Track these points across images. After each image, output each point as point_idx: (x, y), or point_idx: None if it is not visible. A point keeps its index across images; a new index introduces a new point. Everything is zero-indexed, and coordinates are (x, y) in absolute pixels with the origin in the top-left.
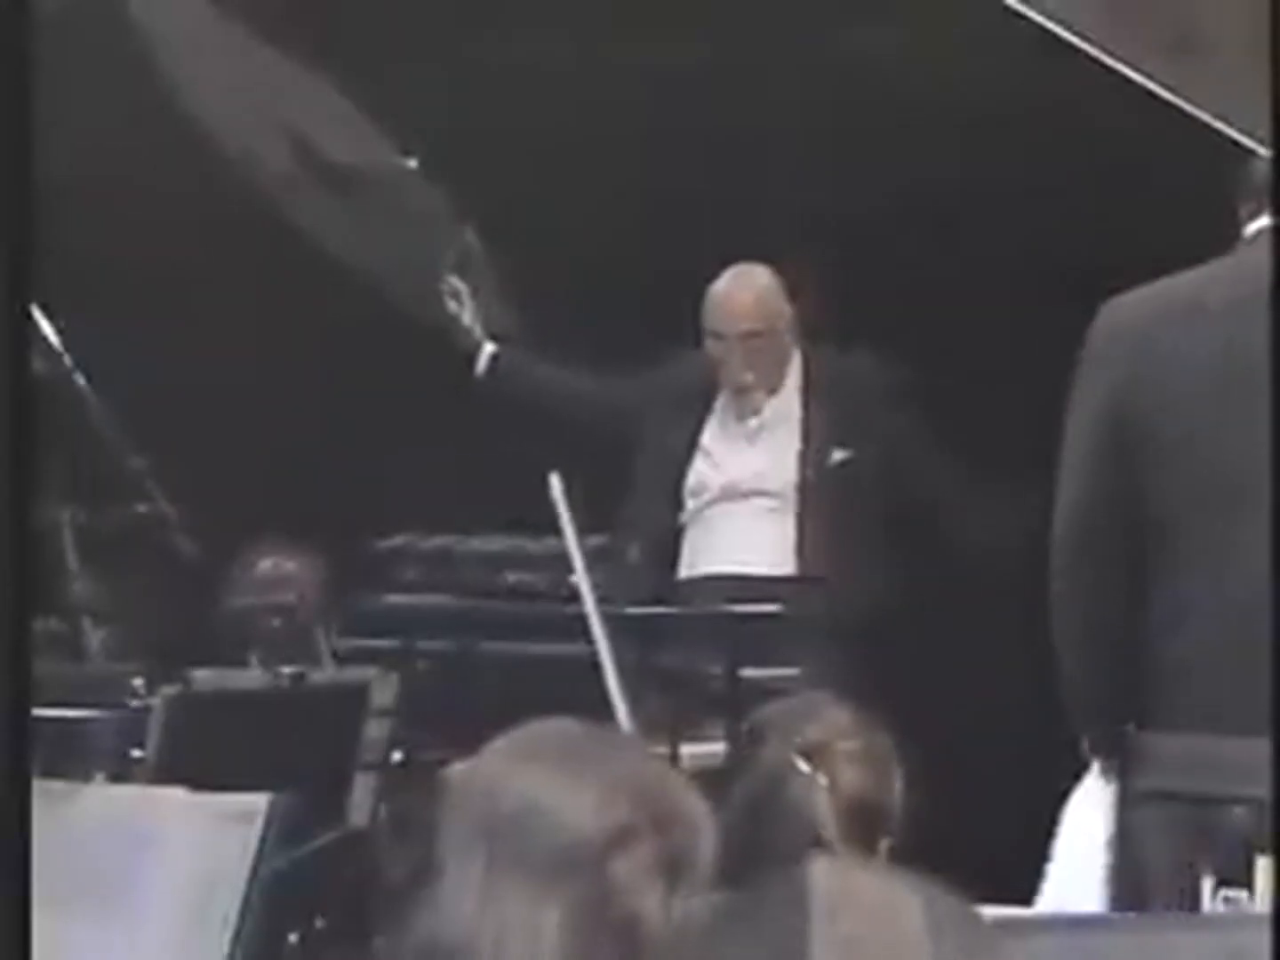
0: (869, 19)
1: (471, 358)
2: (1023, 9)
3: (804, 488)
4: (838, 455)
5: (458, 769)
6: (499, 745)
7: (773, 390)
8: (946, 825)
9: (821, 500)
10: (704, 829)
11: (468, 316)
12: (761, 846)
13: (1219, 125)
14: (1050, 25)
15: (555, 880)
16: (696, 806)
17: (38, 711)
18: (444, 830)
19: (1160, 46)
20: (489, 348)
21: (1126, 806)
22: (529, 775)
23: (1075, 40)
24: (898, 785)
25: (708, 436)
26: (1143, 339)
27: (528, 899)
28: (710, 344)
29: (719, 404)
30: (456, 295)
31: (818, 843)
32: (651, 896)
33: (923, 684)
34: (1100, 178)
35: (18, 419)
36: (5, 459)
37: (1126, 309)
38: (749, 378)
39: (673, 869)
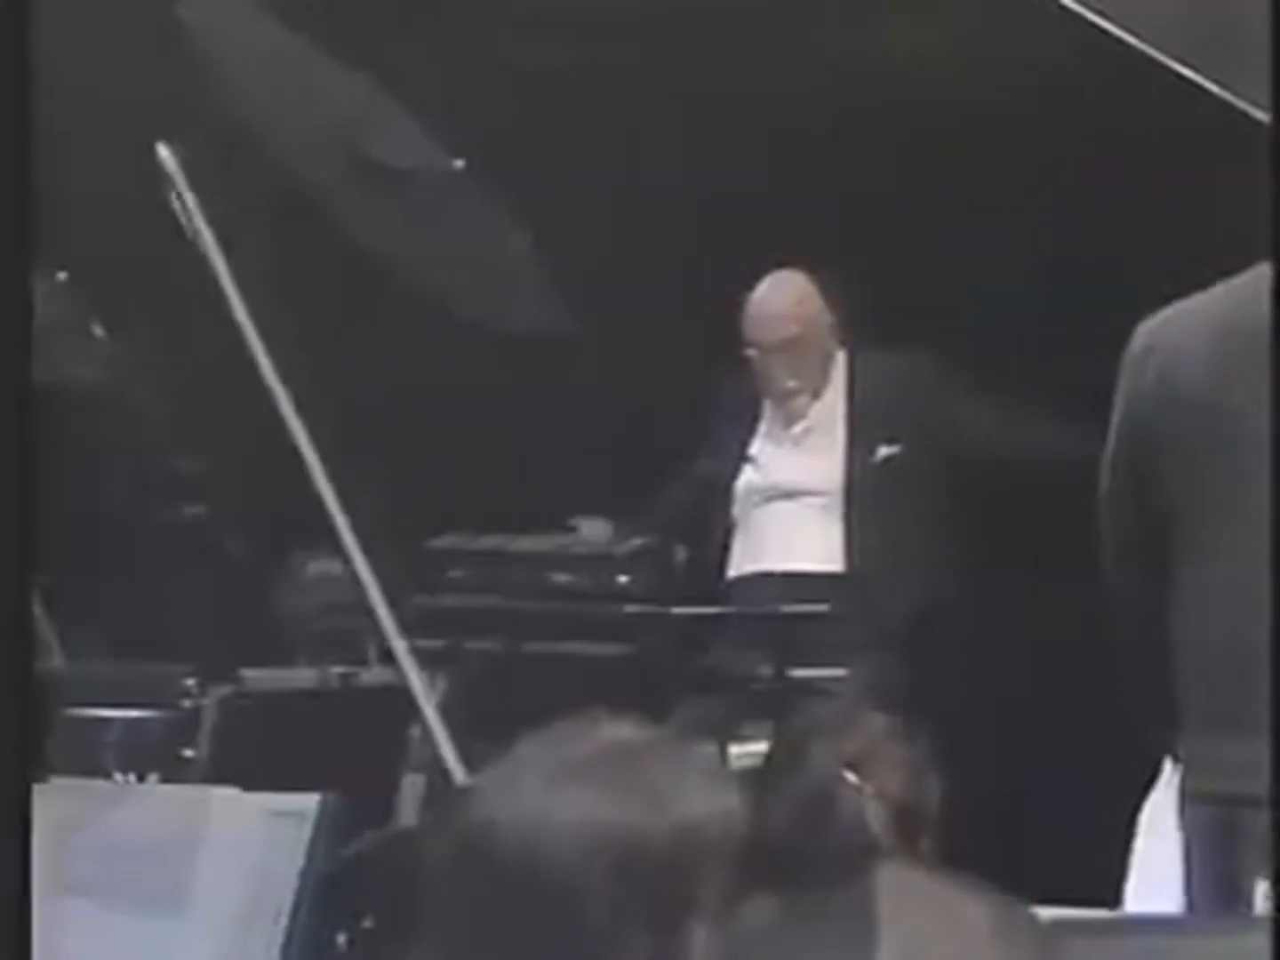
0: (904, 17)
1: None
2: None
3: (850, 486)
4: (883, 452)
5: (482, 779)
6: (516, 752)
7: (817, 394)
8: (995, 825)
9: (867, 498)
10: (730, 829)
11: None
12: (812, 853)
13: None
14: (1091, 16)
15: (572, 900)
16: (721, 806)
17: (93, 712)
18: (461, 846)
19: (1200, 35)
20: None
21: (1183, 808)
22: (538, 787)
23: (1119, 31)
24: (937, 788)
25: (757, 446)
26: (1157, 353)
27: (547, 920)
28: (752, 353)
29: (766, 413)
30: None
31: (866, 848)
32: (678, 903)
33: (973, 681)
34: (1142, 171)
35: (20, 421)
36: (7, 461)
37: (1149, 328)
38: (792, 384)
39: (698, 874)
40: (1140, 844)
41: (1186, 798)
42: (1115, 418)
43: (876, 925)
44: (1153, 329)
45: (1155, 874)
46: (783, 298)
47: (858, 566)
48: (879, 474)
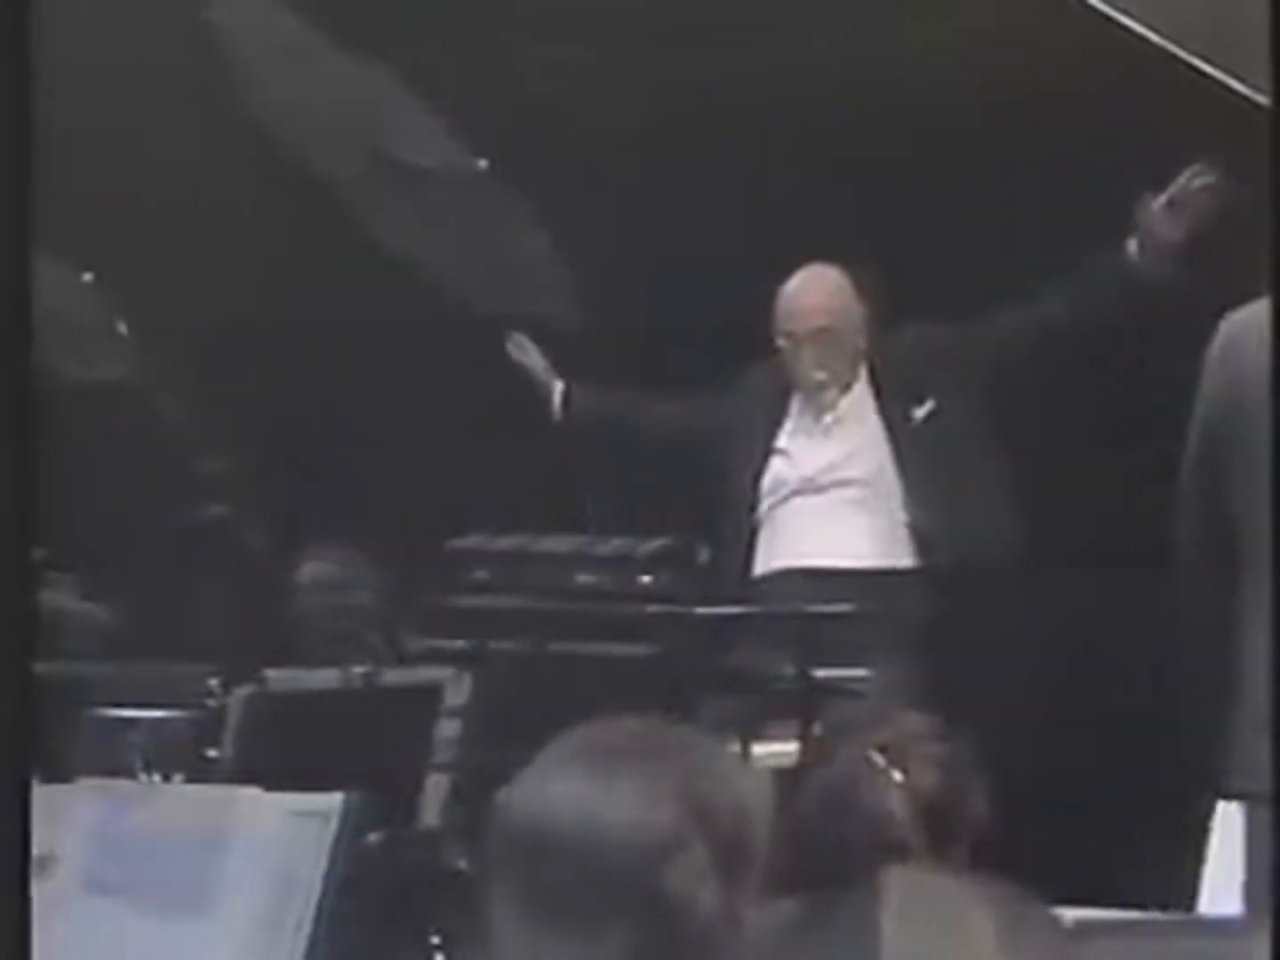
0: (925, 12)
1: (547, 401)
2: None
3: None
4: (919, 413)
5: (510, 786)
6: (545, 755)
7: (846, 387)
8: (1032, 826)
9: (914, 467)
10: (757, 815)
11: (536, 363)
12: (836, 845)
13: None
14: (1109, 11)
15: (608, 897)
16: (747, 792)
17: (118, 712)
18: (492, 848)
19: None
20: (558, 385)
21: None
22: (570, 789)
23: (1141, 28)
24: (976, 789)
25: (784, 439)
26: (1230, 353)
27: (580, 920)
28: (783, 344)
29: (795, 407)
30: (521, 347)
31: (893, 841)
32: (710, 895)
33: (1011, 674)
34: (1157, 163)
35: (21, 418)
36: (8, 466)
37: (1228, 327)
38: (822, 376)
39: (728, 861)
40: (1214, 844)
41: (1243, 798)
42: (1194, 416)
43: (880, 930)
44: (1231, 328)
45: (1226, 874)
46: (817, 290)
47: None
48: (920, 438)
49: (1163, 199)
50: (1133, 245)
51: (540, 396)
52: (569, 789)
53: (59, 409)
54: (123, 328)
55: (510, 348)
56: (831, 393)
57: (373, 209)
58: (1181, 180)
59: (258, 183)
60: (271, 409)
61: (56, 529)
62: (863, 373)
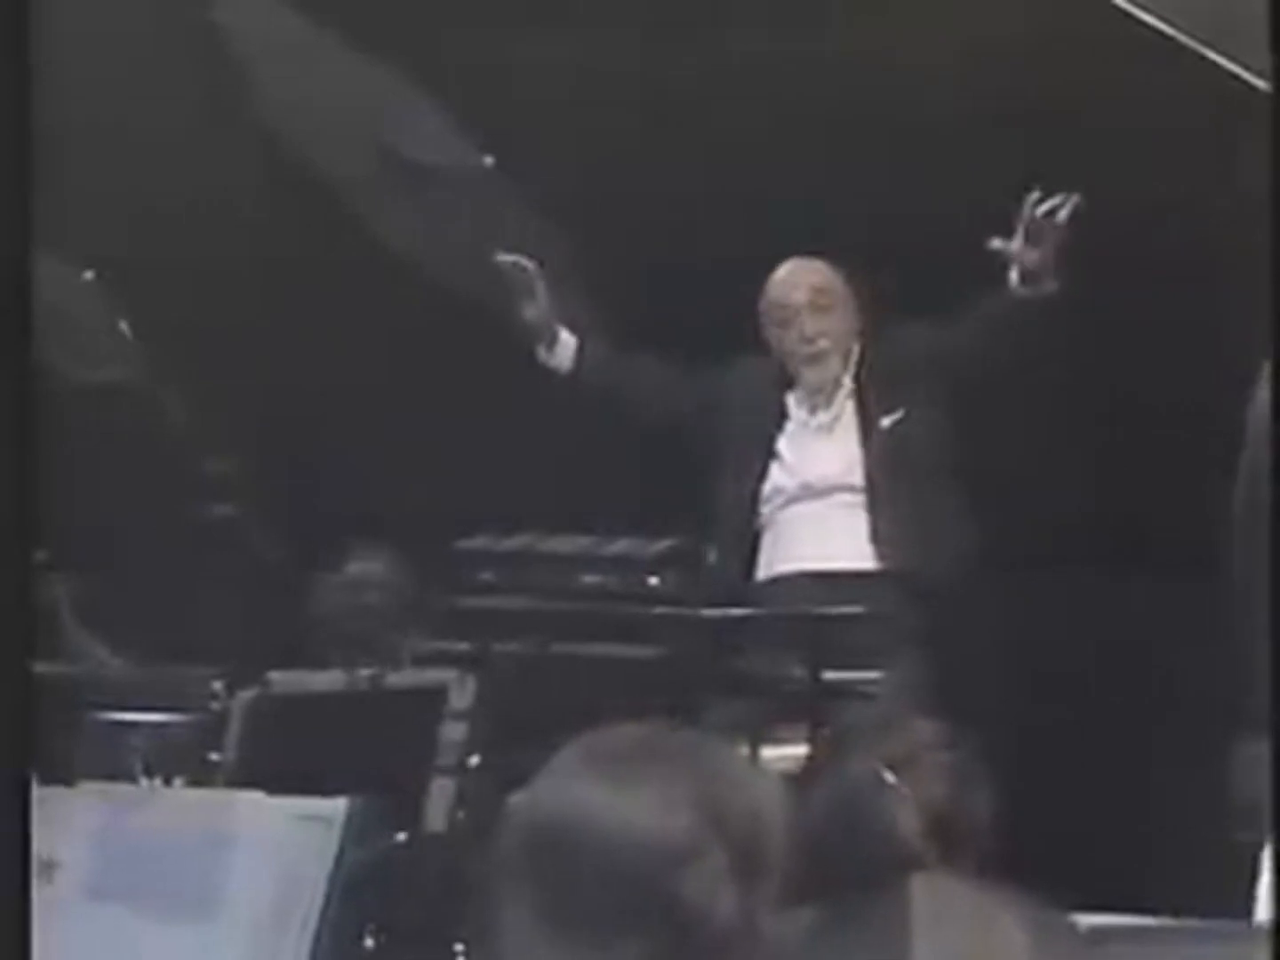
0: (934, 14)
1: (541, 344)
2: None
3: (869, 470)
4: (885, 422)
5: (525, 790)
6: (561, 760)
7: (838, 381)
8: (1039, 832)
9: (883, 476)
10: (773, 820)
11: (538, 300)
12: (848, 858)
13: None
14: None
15: (624, 905)
16: (763, 798)
17: (119, 715)
18: (504, 855)
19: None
20: (569, 339)
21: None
22: (585, 795)
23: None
24: (983, 798)
25: (783, 443)
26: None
27: (596, 927)
28: (773, 329)
29: (791, 408)
30: (525, 273)
31: (904, 855)
32: (727, 901)
33: (1004, 671)
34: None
35: (20, 424)
36: (8, 466)
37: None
38: (824, 344)
39: (745, 867)
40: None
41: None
42: (1247, 434)
43: (911, 934)
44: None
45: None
46: (809, 270)
47: (884, 556)
48: (887, 446)
49: (1018, 236)
50: (1013, 276)
51: (539, 335)
52: (583, 795)
53: (59, 409)
54: (125, 327)
55: (513, 275)
56: (832, 365)
57: (377, 208)
58: (1026, 212)
59: (261, 182)
60: (275, 409)
61: (58, 529)
62: (853, 376)
